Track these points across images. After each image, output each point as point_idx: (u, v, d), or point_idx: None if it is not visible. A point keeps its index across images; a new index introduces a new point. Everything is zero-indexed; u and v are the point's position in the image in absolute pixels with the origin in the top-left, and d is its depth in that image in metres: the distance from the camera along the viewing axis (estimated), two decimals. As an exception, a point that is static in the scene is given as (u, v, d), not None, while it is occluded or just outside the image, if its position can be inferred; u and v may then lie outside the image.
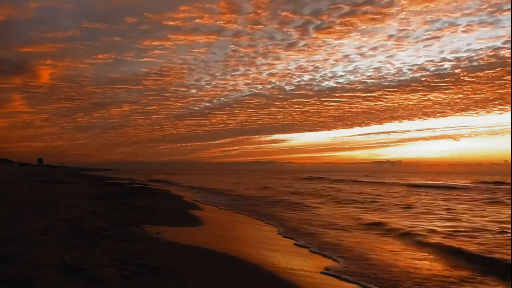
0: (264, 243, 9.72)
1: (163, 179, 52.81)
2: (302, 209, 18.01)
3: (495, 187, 38.47)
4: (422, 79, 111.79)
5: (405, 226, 12.40)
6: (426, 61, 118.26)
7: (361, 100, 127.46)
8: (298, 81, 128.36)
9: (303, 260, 8.09)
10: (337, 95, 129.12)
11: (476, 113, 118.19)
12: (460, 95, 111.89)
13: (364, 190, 34.44)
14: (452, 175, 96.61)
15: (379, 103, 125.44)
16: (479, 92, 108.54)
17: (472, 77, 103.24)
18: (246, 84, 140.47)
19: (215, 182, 48.09)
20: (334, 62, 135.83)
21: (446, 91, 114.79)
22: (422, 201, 22.78)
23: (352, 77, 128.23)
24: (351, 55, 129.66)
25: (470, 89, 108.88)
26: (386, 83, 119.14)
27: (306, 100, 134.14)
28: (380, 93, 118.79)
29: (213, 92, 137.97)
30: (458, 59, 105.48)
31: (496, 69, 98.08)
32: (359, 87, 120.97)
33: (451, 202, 22.08)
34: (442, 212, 16.98)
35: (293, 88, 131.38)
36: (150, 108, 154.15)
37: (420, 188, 36.96)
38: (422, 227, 12.28)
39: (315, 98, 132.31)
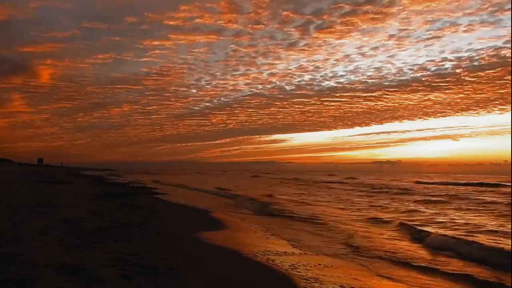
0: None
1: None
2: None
3: (409, 185, 43.56)
4: (423, 79, 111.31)
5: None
6: (427, 61, 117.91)
7: (361, 100, 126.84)
8: (299, 81, 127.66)
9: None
10: (338, 95, 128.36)
11: (477, 113, 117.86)
12: (461, 95, 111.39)
13: (276, 187, 39.65)
14: (403, 175, 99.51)
15: (380, 103, 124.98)
16: (480, 92, 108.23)
17: (473, 77, 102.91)
18: (247, 84, 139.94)
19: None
20: (334, 62, 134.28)
21: (446, 91, 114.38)
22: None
23: (352, 77, 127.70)
24: (352, 54, 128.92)
25: (471, 89, 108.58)
26: (386, 83, 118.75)
27: (306, 100, 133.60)
28: (380, 93, 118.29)
29: (213, 92, 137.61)
30: (459, 59, 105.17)
31: (497, 69, 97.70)
32: (360, 87, 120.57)
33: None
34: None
35: (293, 88, 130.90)
36: (150, 108, 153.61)
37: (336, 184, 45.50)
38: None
39: (316, 98, 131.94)
